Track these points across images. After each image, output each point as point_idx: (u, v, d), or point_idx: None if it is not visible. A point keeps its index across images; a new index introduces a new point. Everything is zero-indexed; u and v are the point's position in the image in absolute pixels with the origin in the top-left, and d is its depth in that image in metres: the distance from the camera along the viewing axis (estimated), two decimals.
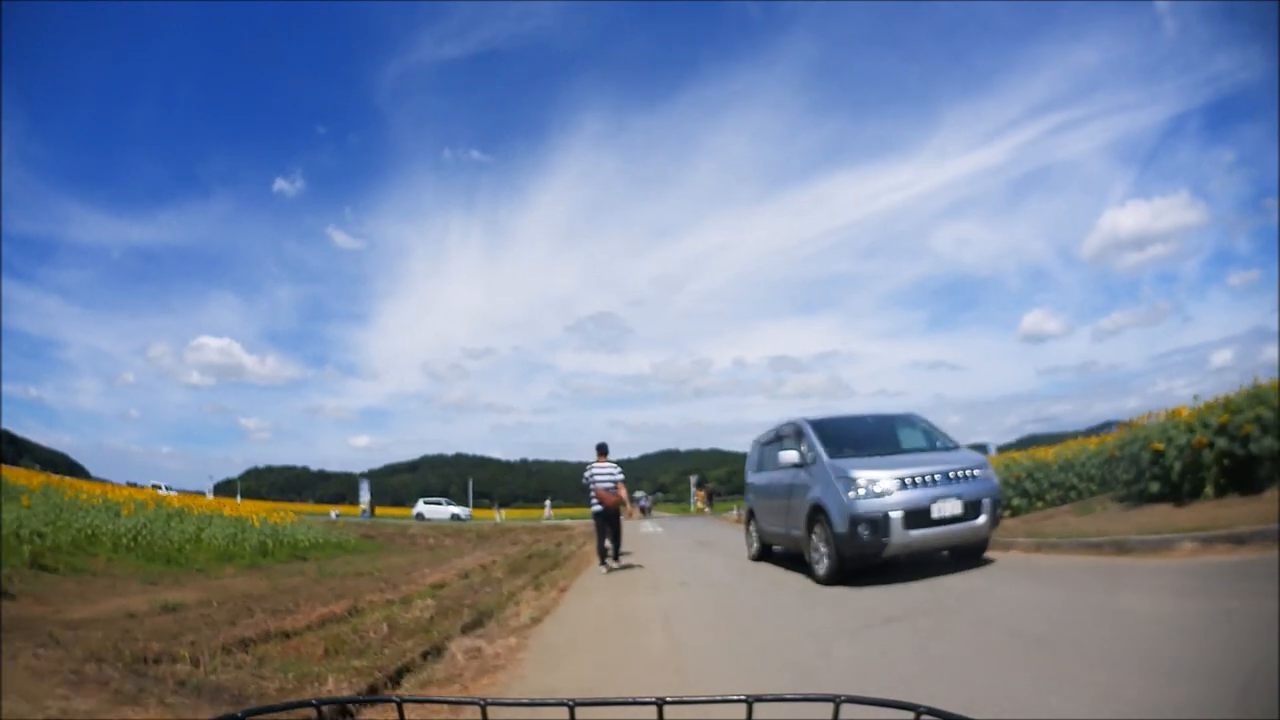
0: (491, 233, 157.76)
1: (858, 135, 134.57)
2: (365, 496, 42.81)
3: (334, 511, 41.51)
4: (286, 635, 5.90)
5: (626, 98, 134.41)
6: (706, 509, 42.79)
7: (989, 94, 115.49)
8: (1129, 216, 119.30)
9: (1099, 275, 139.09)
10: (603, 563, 10.55)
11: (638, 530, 24.63)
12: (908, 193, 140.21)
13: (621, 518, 12.01)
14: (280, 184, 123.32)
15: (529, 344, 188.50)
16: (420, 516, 41.55)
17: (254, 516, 17.16)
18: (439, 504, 45.08)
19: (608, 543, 10.88)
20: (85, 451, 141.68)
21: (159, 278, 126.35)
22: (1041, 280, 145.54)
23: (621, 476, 10.45)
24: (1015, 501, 13.23)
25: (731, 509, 34.16)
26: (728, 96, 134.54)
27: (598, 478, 10.34)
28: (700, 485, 54.86)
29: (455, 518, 41.73)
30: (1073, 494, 12.81)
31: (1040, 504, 13.04)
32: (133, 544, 11.95)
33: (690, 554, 13.73)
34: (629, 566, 10.97)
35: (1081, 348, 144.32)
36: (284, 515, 19.69)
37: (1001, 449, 25.11)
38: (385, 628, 5.90)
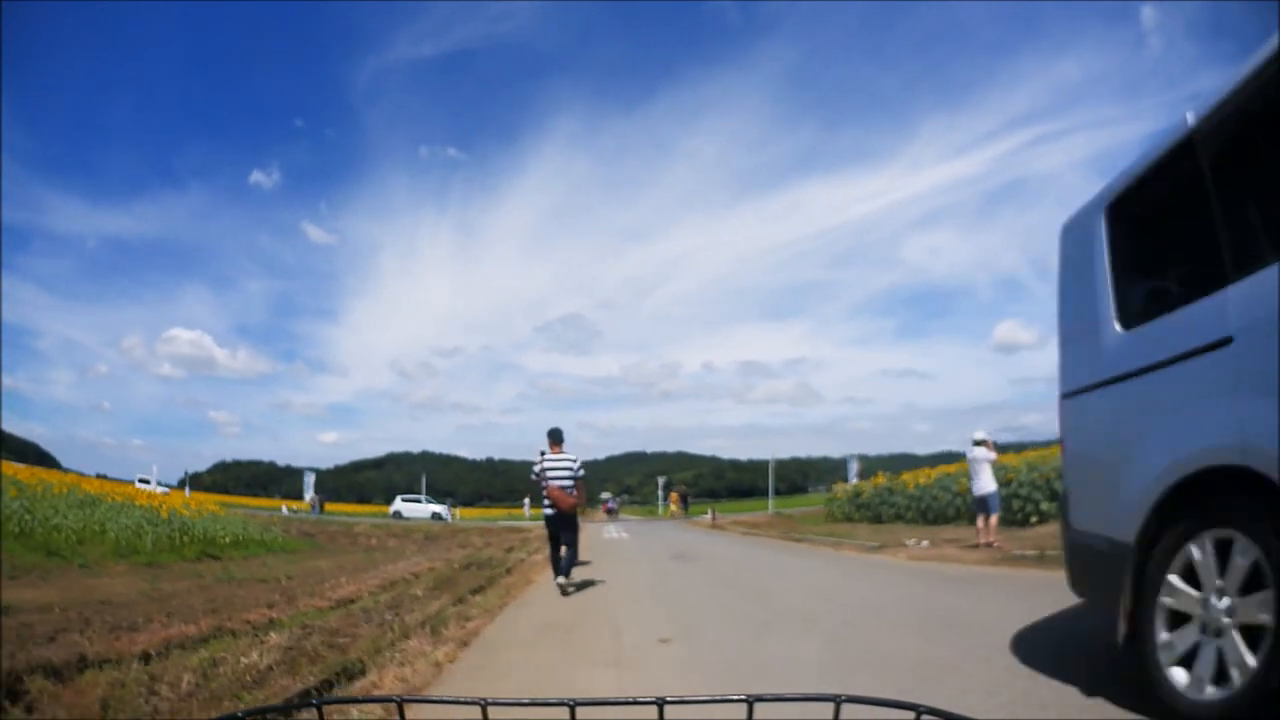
0: (463, 232, 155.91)
1: (833, 143, 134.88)
2: (310, 492, 40.18)
3: (285, 507, 39.57)
4: (61, 674, 4.13)
5: (602, 100, 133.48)
6: (681, 512, 39.61)
7: (967, 105, 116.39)
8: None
9: None
10: (558, 574, 8.55)
11: (599, 535, 22.44)
12: (881, 201, 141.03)
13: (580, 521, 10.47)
14: (257, 176, 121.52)
15: (498, 344, 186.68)
16: (398, 515, 39.17)
17: (164, 507, 15.51)
18: (419, 501, 42.06)
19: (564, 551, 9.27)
20: (57, 442, 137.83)
21: (133, 269, 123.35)
22: (1014, 291, 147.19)
23: (582, 472, 8.39)
24: (1044, 506, 12.25)
25: (706, 511, 32.78)
26: (703, 101, 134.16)
27: (551, 473, 8.24)
28: (670, 487, 51.19)
29: (436, 516, 38.91)
30: None
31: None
32: (18, 531, 11.05)
33: (668, 572, 10.71)
34: (589, 584, 9.03)
35: (1054, 359, 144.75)
36: (202, 508, 17.74)
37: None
38: (188, 678, 4.05)
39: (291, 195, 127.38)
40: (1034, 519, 13.43)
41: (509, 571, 10.63)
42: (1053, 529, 12.33)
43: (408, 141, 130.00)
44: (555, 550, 8.62)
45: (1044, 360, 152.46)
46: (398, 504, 41.55)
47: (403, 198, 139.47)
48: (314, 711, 0.69)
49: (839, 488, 25.59)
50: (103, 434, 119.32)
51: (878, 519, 20.50)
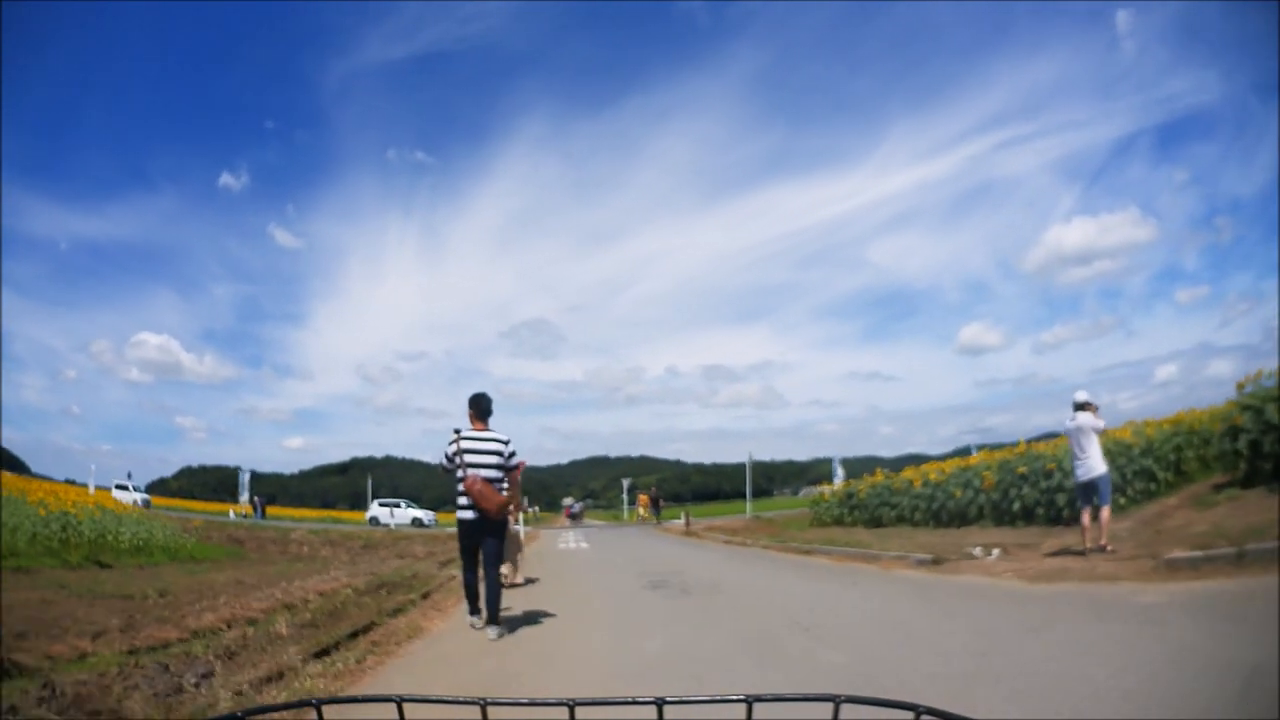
0: (429, 235, 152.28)
1: (801, 145, 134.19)
2: (246, 494, 36.44)
3: (232, 511, 35.85)
4: None
5: (570, 102, 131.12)
6: (652, 517, 34.71)
7: (937, 107, 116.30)
8: (1075, 232, 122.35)
9: (1041, 289, 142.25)
10: (474, 612, 5.86)
11: (553, 545, 19.57)
12: (849, 204, 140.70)
13: (519, 528, 8.09)
14: (226, 179, 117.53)
15: (462, 348, 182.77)
16: (375, 521, 35.85)
17: (50, 501, 13.77)
18: (397, 506, 38.21)
19: (504, 570, 7.19)
20: (28, 447, 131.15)
21: (103, 272, 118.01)
22: (981, 293, 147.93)
23: (516, 458, 5.84)
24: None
25: (678, 516, 29.47)
26: (672, 103, 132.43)
27: (472, 457, 5.61)
28: (636, 489, 45.89)
29: (418, 522, 35.70)
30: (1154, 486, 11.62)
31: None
32: None
33: (644, 616, 6.71)
34: (535, 621, 6.21)
35: (1021, 360, 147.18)
36: (96, 506, 14.82)
37: (943, 458, 23.02)
38: None
39: (260, 198, 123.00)
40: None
41: (425, 596, 7.91)
42: (1152, 510, 10.11)
43: (376, 144, 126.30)
44: (472, 572, 5.80)
45: (1010, 362, 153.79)
46: (374, 509, 37.94)
47: (369, 201, 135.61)
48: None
49: (826, 488, 23.24)
50: (72, 439, 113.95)
51: (876, 522, 18.14)
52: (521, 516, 44.11)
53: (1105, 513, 7.74)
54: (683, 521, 26.09)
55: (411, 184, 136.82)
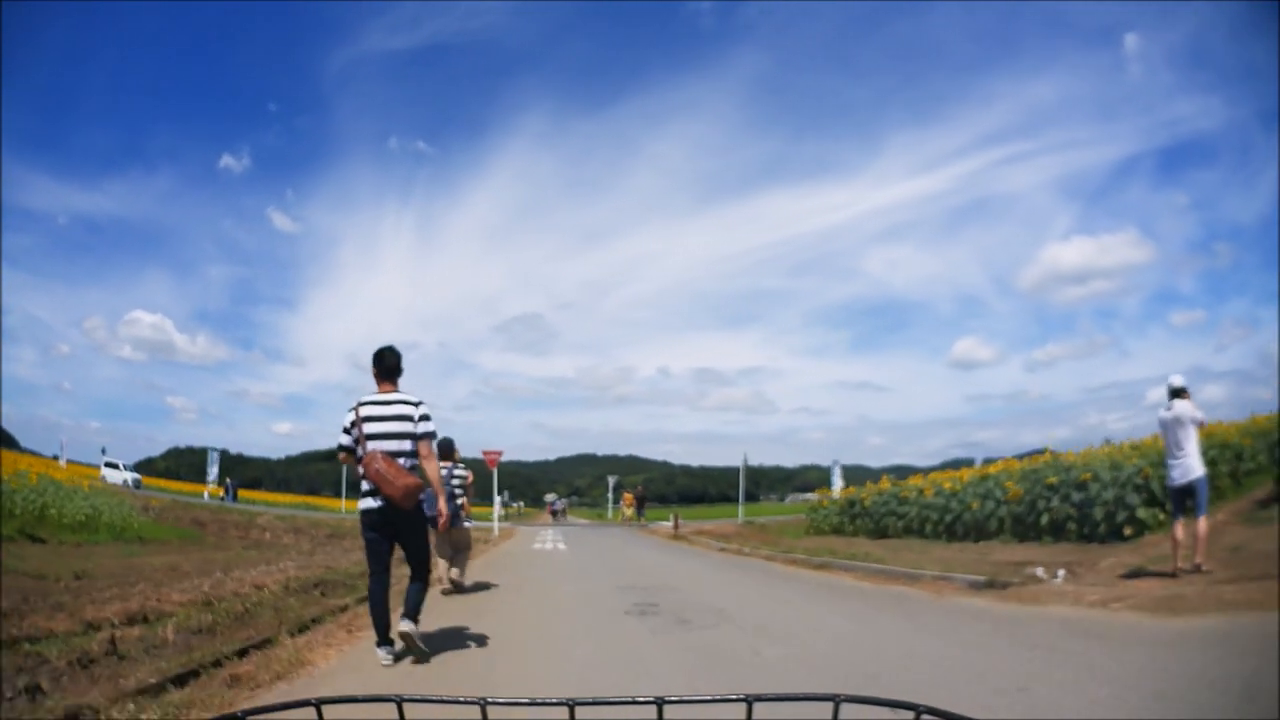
0: (425, 226, 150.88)
1: (799, 153, 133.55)
2: (213, 475, 34.73)
3: (207, 493, 34.68)
4: None
5: (570, 100, 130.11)
6: (638, 518, 32.65)
7: (937, 121, 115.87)
8: (1072, 251, 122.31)
9: (1035, 307, 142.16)
10: (383, 643, 4.34)
11: (528, 544, 17.90)
12: (844, 214, 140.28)
13: (468, 523, 7.20)
14: (227, 160, 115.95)
15: (454, 341, 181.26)
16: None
17: None
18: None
19: (447, 573, 6.88)
20: (20, 422, 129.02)
21: (99, 248, 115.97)
22: (975, 308, 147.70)
23: (429, 426, 4.41)
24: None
25: (667, 517, 27.68)
26: (671, 105, 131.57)
27: (374, 427, 4.34)
28: (621, 488, 43.66)
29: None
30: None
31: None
32: None
33: (621, 641, 5.30)
34: (462, 645, 4.84)
35: (1013, 376, 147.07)
36: (39, 477, 13.52)
37: (930, 470, 22.13)
38: None
39: (260, 181, 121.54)
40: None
41: (361, 601, 6.52)
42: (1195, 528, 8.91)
43: (377, 133, 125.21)
44: (381, 586, 4.36)
45: (1001, 378, 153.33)
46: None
47: (367, 189, 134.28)
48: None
49: (824, 494, 22.06)
50: (63, 415, 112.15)
51: (881, 532, 16.94)
52: (505, 511, 42.12)
53: (1203, 525, 6.41)
54: (671, 524, 24.54)
55: (409, 174, 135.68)
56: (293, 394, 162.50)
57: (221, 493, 33.95)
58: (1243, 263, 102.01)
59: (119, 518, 14.07)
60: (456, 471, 7.60)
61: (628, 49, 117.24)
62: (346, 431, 4.42)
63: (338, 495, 62.88)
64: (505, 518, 38.04)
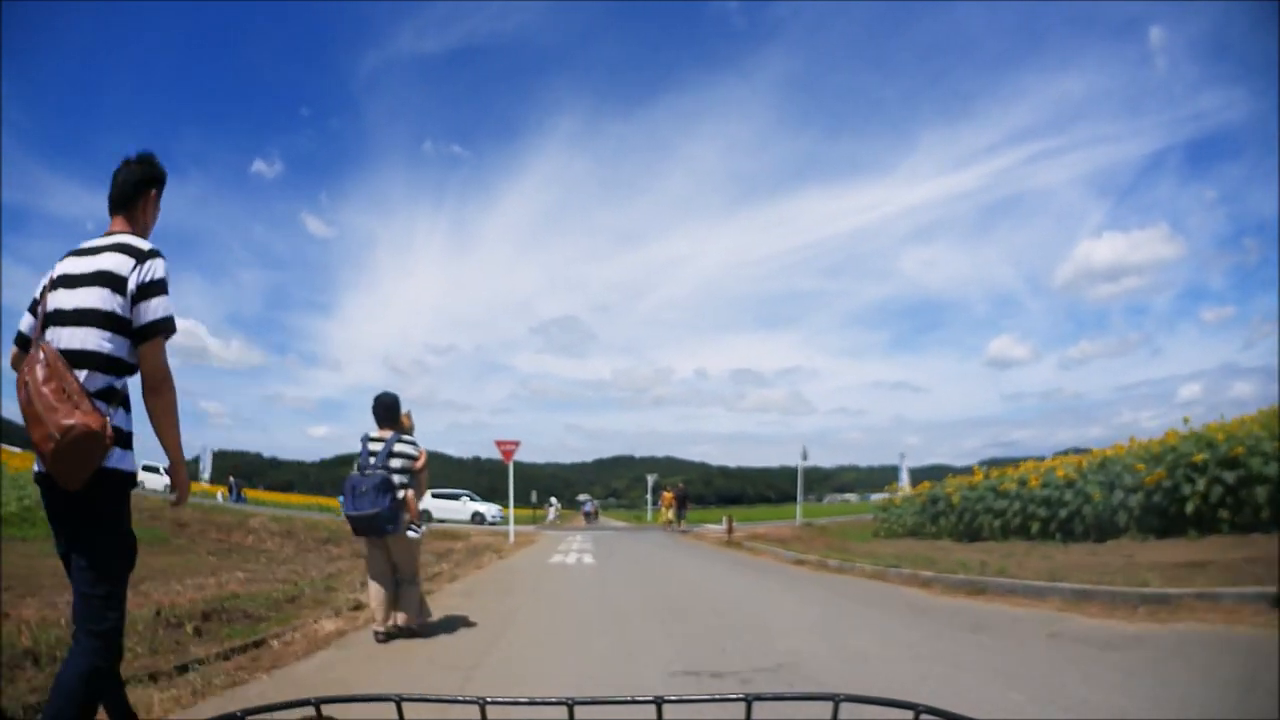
0: (458, 229, 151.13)
1: (831, 152, 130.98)
2: (206, 473, 32.70)
3: (220, 494, 33.32)
4: None
5: (603, 101, 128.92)
6: (678, 520, 28.69)
7: (968, 118, 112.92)
8: (1105, 247, 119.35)
9: (1069, 304, 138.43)
10: None
11: (544, 556, 14.66)
12: (877, 213, 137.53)
13: (415, 532, 5.23)
14: (259, 165, 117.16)
15: (491, 343, 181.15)
16: (427, 514, 29.42)
17: None
18: (454, 498, 32.21)
19: (379, 609, 5.04)
20: None
21: None
22: (1009, 306, 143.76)
23: (155, 311, 2.47)
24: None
25: (717, 520, 24.60)
26: (703, 106, 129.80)
27: (61, 300, 2.36)
28: (660, 487, 39.25)
29: (478, 518, 30.31)
30: None
31: None
32: None
33: None
34: None
35: (1047, 375, 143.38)
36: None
37: (969, 470, 19.82)
38: None
39: (292, 185, 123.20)
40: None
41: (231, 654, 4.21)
42: None
43: (411, 136, 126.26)
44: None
45: (1036, 377, 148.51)
46: (427, 500, 31.46)
47: (401, 192, 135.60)
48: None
49: (894, 490, 19.39)
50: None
51: (971, 533, 14.31)
52: (559, 515, 38.80)
53: None
54: (721, 527, 21.42)
55: (443, 177, 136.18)
56: (328, 398, 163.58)
57: (226, 492, 32.20)
58: (1271, 257, 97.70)
59: None
60: (398, 447, 5.26)
61: (659, 50, 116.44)
62: (32, 310, 2.44)
63: None
64: (540, 521, 36.05)
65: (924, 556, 10.82)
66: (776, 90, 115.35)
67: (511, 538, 18.87)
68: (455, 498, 32.42)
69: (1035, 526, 12.90)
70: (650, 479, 44.35)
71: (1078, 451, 14.01)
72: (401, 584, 5.16)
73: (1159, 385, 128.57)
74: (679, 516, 29.15)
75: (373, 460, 5.05)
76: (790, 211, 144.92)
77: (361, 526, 4.90)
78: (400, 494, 5.08)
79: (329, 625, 5.47)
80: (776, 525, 23.74)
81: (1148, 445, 11.98)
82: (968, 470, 16.33)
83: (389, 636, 5.02)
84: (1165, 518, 10.39)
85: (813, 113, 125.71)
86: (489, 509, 31.54)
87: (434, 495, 30.80)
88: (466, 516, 30.37)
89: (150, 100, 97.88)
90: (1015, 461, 15.83)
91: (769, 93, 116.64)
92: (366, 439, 5.25)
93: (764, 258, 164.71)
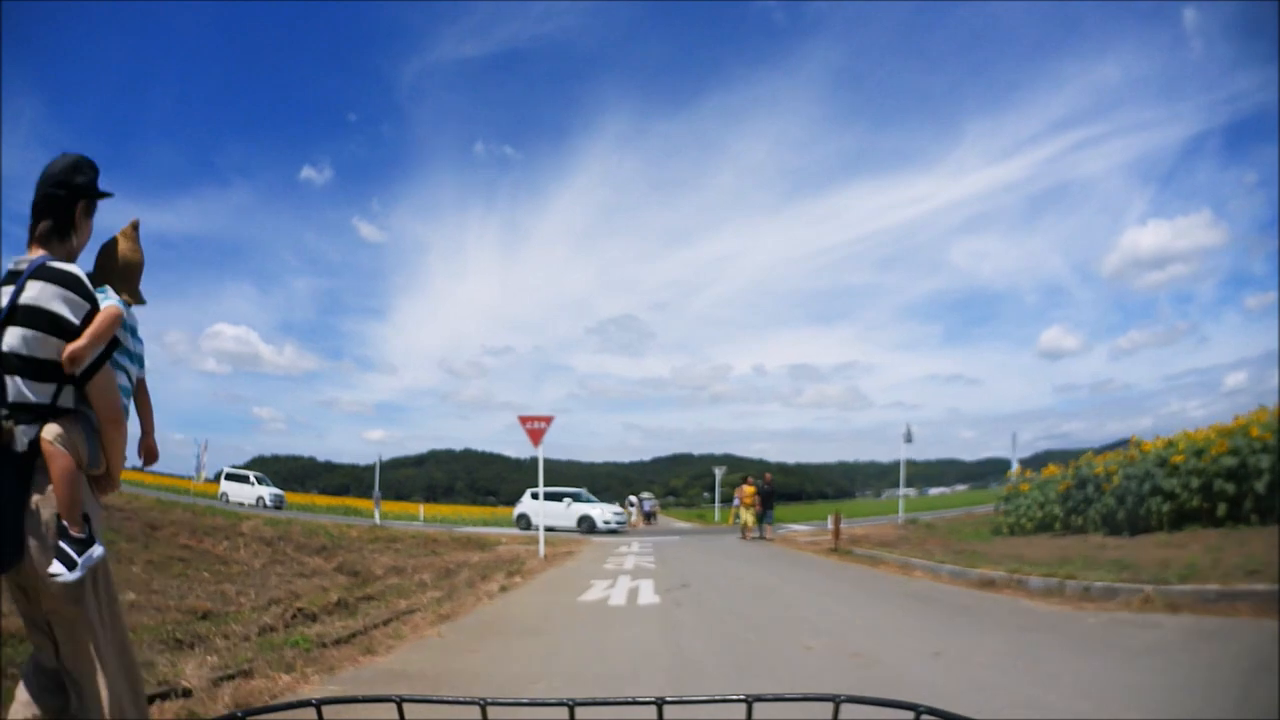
0: (511, 230, 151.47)
1: (877, 145, 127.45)
2: (199, 467, 29.81)
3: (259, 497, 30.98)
4: None
5: (648, 101, 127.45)
6: (760, 523, 21.03)
7: (1009, 108, 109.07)
8: (1150, 235, 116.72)
9: (1117, 293, 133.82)
10: None
11: (587, 573, 11.06)
12: (926, 205, 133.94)
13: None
14: (308, 172, 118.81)
15: (548, 344, 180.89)
16: (524, 520, 25.16)
17: None
18: (556, 499, 24.73)
19: None
20: None
21: (176, 264, 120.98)
22: (1059, 297, 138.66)
23: None
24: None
25: (802, 521, 19.96)
26: (749, 102, 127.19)
27: None
28: (747, 478, 25.71)
29: (586, 524, 24.44)
30: None
31: None
32: None
33: None
34: None
35: (1098, 366, 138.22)
36: None
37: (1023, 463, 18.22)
38: None
39: (343, 191, 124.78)
40: None
41: None
42: None
43: (460, 139, 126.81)
44: None
45: (1086, 367, 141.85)
46: (524, 504, 26.03)
47: (452, 195, 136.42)
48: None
49: (1017, 476, 16.00)
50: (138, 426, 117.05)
51: (1138, 523, 10.99)
52: (628, 517, 31.03)
53: None
54: (830, 529, 16.42)
55: (493, 179, 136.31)
56: (385, 401, 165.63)
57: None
58: None
59: None
60: (41, 291, 2.15)
61: (701, 47, 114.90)
62: None
63: (428, 500, 58.05)
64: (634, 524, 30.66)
65: (1078, 554, 7.72)
66: (821, 85, 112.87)
67: (541, 550, 14.57)
68: (557, 498, 24.83)
69: (1223, 509, 9.80)
70: (718, 472, 38.04)
71: (1130, 444, 12.80)
72: (75, 684, 2.13)
73: (1205, 374, 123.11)
74: (764, 518, 21.16)
75: None
76: (839, 205, 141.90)
77: None
78: (25, 439, 2.09)
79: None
80: (874, 523, 20.47)
81: None
82: (1023, 464, 14.34)
83: None
84: None
85: (858, 106, 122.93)
86: (602, 511, 25.29)
87: (533, 495, 24.03)
88: (572, 523, 24.24)
89: (192, 111, 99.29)
90: (1074, 454, 14.01)
91: (814, 87, 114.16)
92: None
93: (815, 252, 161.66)
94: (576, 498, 26.11)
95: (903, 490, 22.87)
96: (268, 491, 29.46)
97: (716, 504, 36.98)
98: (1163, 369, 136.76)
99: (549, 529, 20.72)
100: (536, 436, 14.68)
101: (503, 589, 9.33)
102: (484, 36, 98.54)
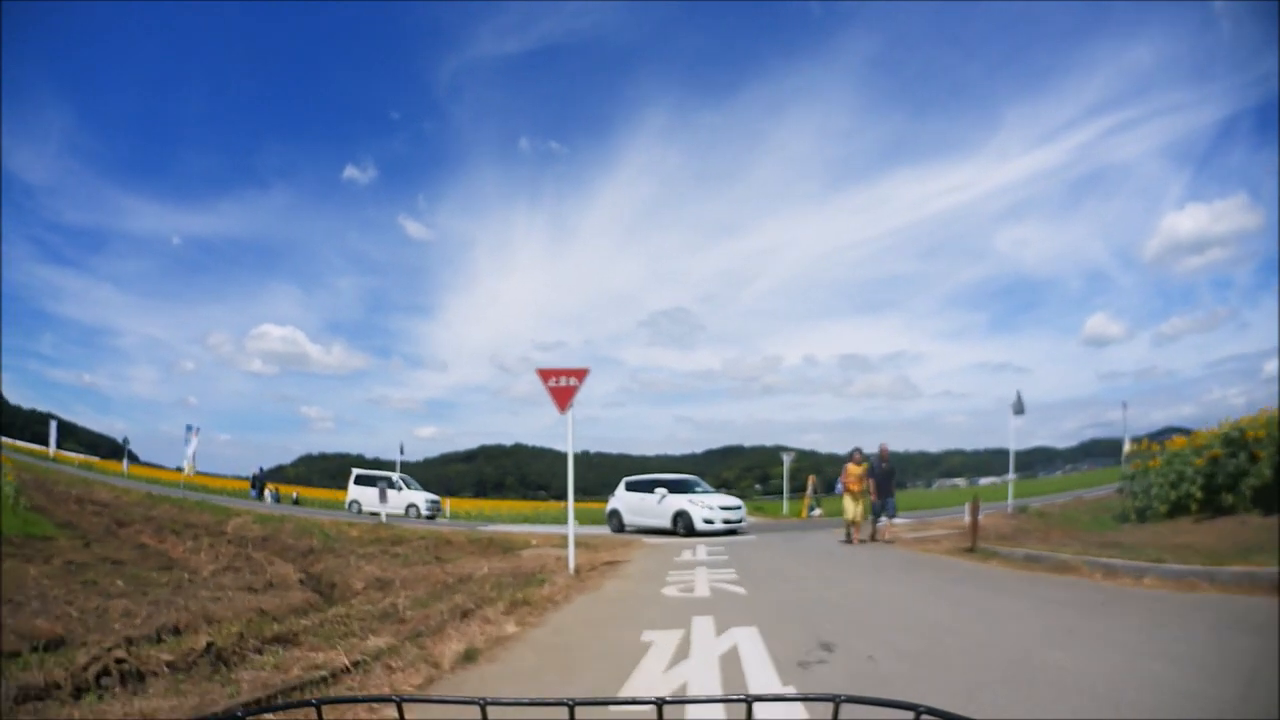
0: (557, 224, 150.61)
1: (918, 133, 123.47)
2: (190, 457, 27.85)
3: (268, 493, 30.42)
4: None
5: (689, 93, 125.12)
6: (873, 519, 14.66)
7: (1046, 93, 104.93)
8: (1188, 219, 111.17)
9: (1158, 279, 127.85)
10: None
11: (643, 597, 7.86)
12: (969, 193, 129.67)
13: None
14: (351, 172, 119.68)
15: (598, 337, 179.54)
16: (615, 519, 20.34)
17: None
18: (647, 489, 19.80)
19: None
20: (139, 437, 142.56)
21: (218, 267, 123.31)
22: (1102, 283, 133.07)
23: None
24: None
25: (974, 498, 12.69)
26: (790, 93, 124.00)
27: None
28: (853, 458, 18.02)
29: (682, 521, 17.98)
30: None
31: None
32: None
33: None
34: None
35: (1141, 352, 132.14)
36: None
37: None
38: None
39: (387, 190, 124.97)
40: None
41: None
42: None
43: (506, 134, 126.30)
44: None
45: (1131, 355, 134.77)
46: (619, 497, 20.63)
47: (497, 191, 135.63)
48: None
49: (1144, 450, 13.23)
50: (184, 428, 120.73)
51: None
52: (817, 503, 26.93)
53: None
54: (960, 519, 13.61)
55: (537, 174, 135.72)
56: (435, 398, 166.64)
57: (249, 486, 28.59)
58: None
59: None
60: None
61: (739, 38, 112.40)
62: None
63: (477, 495, 56.13)
64: (814, 518, 24.15)
65: None
66: (860, 73, 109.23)
67: (571, 563, 10.40)
68: (647, 488, 19.70)
69: None
70: (786, 458, 30.24)
71: (1177, 431, 12.85)
72: None
73: (1245, 361, 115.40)
74: (881, 510, 14.88)
75: None
76: (883, 194, 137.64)
77: None
78: None
79: None
80: (945, 515, 17.92)
81: None
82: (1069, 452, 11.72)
83: None
84: None
85: (898, 94, 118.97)
86: (702, 505, 18.44)
87: (628, 487, 20.21)
88: (666, 522, 18.59)
89: (232, 115, 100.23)
90: (1113, 442, 11.64)
91: (852, 77, 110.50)
92: None
93: (860, 241, 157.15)
94: (676, 486, 19.44)
95: (1012, 474, 19.96)
96: (421, 498, 23.28)
97: (785, 495, 32.97)
98: (1204, 355, 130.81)
99: (642, 529, 18.34)
100: (564, 397, 10.77)
101: (518, 617, 6.58)
102: (522, 33, 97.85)
